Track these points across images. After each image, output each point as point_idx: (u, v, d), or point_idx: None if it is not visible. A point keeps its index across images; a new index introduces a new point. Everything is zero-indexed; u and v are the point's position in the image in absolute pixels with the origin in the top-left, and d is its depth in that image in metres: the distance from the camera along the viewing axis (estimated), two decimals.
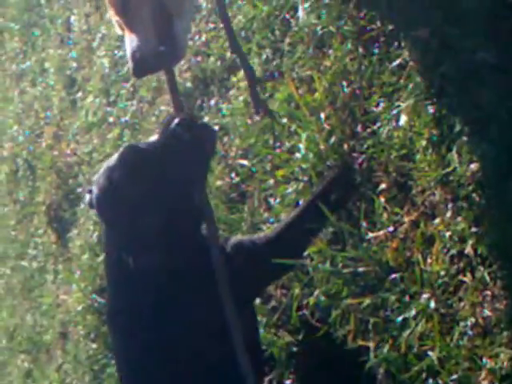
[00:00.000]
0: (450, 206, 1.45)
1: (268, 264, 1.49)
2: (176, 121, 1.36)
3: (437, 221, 1.47)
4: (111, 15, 1.45)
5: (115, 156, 1.40)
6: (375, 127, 1.64)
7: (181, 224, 1.38)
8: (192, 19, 2.10)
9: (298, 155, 1.81)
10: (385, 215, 1.57)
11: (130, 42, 1.32)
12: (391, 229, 1.55)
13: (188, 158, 1.37)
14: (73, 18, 3.94)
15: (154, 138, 1.46)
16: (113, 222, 1.42)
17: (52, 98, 4.01)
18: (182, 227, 1.39)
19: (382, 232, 1.57)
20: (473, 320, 1.36)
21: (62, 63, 3.94)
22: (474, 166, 1.40)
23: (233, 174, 2.17)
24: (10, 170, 4.51)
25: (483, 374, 1.33)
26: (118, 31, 1.46)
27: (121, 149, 1.42)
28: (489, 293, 1.36)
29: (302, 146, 1.78)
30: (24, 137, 4.32)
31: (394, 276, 1.51)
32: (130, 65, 1.34)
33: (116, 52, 3.27)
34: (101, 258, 2.82)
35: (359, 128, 1.68)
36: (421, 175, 1.51)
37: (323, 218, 1.56)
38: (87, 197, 1.45)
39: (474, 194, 1.41)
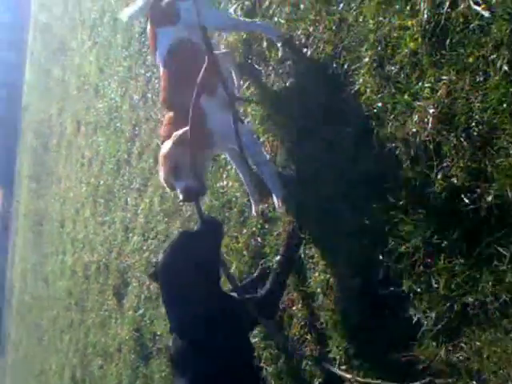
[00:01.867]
0: None
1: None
2: (202, 219, 2.54)
3: None
4: (161, 177, 2.71)
5: (171, 241, 2.52)
6: None
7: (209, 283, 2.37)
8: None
9: None
10: None
11: (180, 186, 2.58)
12: None
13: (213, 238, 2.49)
14: None
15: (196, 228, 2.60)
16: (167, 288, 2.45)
17: None
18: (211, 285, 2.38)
19: None
20: None
21: None
22: None
23: None
24: None
25: None
26: (166, 187, 2.80)
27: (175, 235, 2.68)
28: None
29: None
30: None
31: None
32: (180, 196, 2.61)
33: None
34: None
35: None
36: None
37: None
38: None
39: None
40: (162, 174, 2.69)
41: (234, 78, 3.39)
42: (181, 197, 2.60)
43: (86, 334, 7.21)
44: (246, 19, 3.31)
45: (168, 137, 2.67)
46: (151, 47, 3.11)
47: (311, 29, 2.80)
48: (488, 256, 1.81)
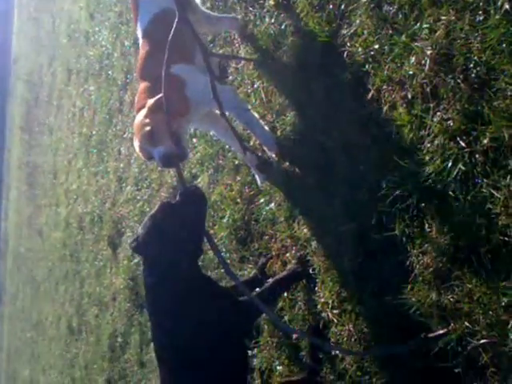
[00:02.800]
0: None
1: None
2: (182, 189, 2.43)
3: None
4: (137, 146, 2.57)
5: (152, 212, 2.36)
6: None
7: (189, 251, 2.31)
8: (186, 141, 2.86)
9: None
10: None
11: (158, 152, 2.44)
12: None
13: (191, 214, 2.32)
14: None
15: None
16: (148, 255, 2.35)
17: None
18: (191, 254, 2.34)
19: None
20: None
21: None
22: None
23: None
24: None
25: None
26: (142, 157, 2.64)
27: (156, 206, 2.40)
28: None
29: None
30: None
31: None
32: (159, 162, 2.48)
33: None
34: None
35: None
36: None
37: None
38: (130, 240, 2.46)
39: None
40: (137, 144, 2.56)
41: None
42: (160, 163, 2.49)
43: (81, 284, 7.28)
44: None
45: (143, 106, 2.57)
46: (134, 17, 2.98)
47: None
48: (482, 199, 1.80)
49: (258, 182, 3.01)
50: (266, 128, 2.79)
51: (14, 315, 15.65)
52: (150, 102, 2.51)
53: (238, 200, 3.20)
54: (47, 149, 11.14)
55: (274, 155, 2.81)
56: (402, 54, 2.11)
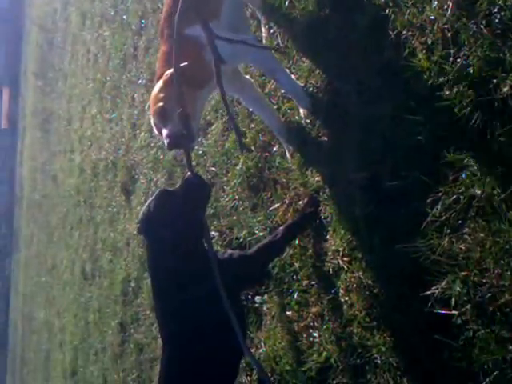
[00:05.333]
0: None
1: (248, 268, 2.47)
2: (186, 178, 2.36)
3: None
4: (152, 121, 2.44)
5: (151, 199, 2.32)
6: None
7: (191, 237, 2.29)
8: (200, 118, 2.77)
9: None
10: None
11: (165, 131, 2.31)
12: None
13: (193, 201, 2.29)
14: None
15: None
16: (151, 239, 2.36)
17: None
18: (192, 239, 2.30)
19: None
20: None
21: None
22: None
23: None
24: None
25: None
26: (155, 131, 2.49)
27: (155, 194, 2.36)
28: None
29: None
30: None
31: None
32: (165, 142, 2.33)
33: None
34: None
35: None
36: None
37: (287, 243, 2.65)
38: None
39: None
40: (151, 118, 2.47)
41: (262, 23, 3.15)
42: (165, 144, 2.35)
43: (95, 230, 7.38)
44: None
45: (161, 75, 2.42)
46: None
47: None
48: (498, 149, 1.78)
49: (288, 155, 2.90)
50: (293, 78, 2.72)
51: (29, 260, 15.96)
52: (167, 73, 2.37)
53: (252, 147, 3.18)
54: (61, 95, 11.10)
55: (305, 110, 2.72)
56: None
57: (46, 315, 12.11)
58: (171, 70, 2.30)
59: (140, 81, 5.65)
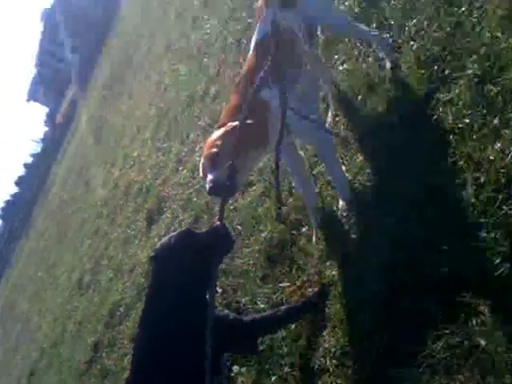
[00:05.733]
0: None
1: (239, 334, 2.43)
2: (214, 226, 2.33)
3: None
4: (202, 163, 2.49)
5: (174, 234, 2.35)
6: None
7: (198, 282, 2.28)
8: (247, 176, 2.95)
9: None
10: None
11: (210, 176, 2.36)
12: None
13: (213, 249, 2.29)
14: None
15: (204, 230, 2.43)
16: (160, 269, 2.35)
17: None
18: (198, 284, 2.29)
19: None
20: None
21: None
22: None
23: None
24: None
25: None
26: (200, 173, 2.54)
27: (179, 230, 2.39)
28: None
29: None
30: None
31: None
32: (207, 187, 2.37)
33: None
34: None
35: None
36: None
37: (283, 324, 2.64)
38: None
39: None
40: (201, 160, 2.52)
41: (330, 108, 3.27)
42: (207, 188, 2.40)
43: (107, 246, 7.42)
44: (364, 27, 3.07)
45: (224, 125, 2.52)
46: (256, 21, 2.90)
47: (425, 23, 2.73)
48: None
49: (314, 240, 2.89)
50: (344, 169, 2.79)
51: (34, 252, 16.03)
52: (231, 124, 2.47)
53: (283, 221, 3.20)
54: (121, 110, 11.44)
55: (344, 203, 2.76)
56: (488, 137, 2.08)
57: (29, 309, 12.06)
58: (235, 123, 2.42)
59: (200, 122, 5.79)
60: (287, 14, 2.69)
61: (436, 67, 2.53)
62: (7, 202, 55.15)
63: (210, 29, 7.08)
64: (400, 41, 2.90)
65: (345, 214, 2.74)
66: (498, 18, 2.26)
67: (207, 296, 2.35)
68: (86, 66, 27.85)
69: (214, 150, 2.43)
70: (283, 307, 2.61)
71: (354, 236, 2.62)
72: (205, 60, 6.72)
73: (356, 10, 3.41)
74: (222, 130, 2.51)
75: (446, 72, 2.45)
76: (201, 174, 2.56)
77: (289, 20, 2.68)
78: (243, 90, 2.58)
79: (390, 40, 2.95)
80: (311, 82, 2.86)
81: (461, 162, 2.17)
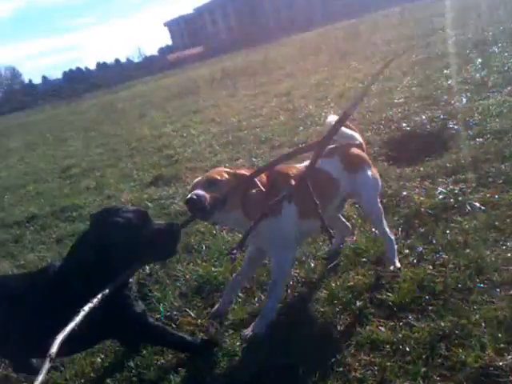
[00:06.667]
0: None
1: (132, 323, 2.49)
2: (172, 225, 2.50)
3: None
4: (198, 179, 2.67)
5: (135, 208, 2.48)
6: None
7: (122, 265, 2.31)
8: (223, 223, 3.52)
9: None
10: None
11: (198, 191, 2.50)
12: None
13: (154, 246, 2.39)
14: None
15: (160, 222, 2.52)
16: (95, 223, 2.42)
17: None
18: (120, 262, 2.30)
19: None
20: None
21: None
22: None
23: None
24: None
25: None
26: (190, 185, 2.70)
27: (140, 208, 2.48)
28: None
29: None
30: None
31: None
32: (188, 195, 2.50)
33: None
34: None
35: None
36: None
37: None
38: None
39: None
40: (201, 176, 2.70)
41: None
42: (188, 197, 2.50)
43: None
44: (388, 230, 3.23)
45: (248, 173, 2.67)
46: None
47: None
48: None
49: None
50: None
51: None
52: (248, 175, 2.64)
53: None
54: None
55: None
56: None
57: None
58: (250, 174, 2.65)
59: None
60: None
61: None
62: None
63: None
64: None
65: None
66: None
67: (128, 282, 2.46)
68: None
69: (217, 176, 2.60)
70: (185, 336, 2.68)
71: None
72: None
73: None
74: (240, 172, 2.68)
75: None
76: (190, 186, 2.69)
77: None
78: (278, 183, 2.75)
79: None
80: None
81: None
